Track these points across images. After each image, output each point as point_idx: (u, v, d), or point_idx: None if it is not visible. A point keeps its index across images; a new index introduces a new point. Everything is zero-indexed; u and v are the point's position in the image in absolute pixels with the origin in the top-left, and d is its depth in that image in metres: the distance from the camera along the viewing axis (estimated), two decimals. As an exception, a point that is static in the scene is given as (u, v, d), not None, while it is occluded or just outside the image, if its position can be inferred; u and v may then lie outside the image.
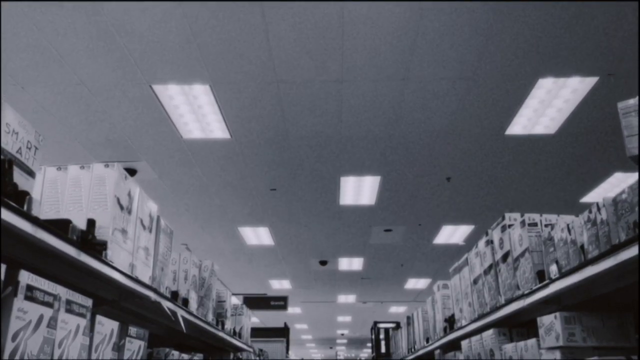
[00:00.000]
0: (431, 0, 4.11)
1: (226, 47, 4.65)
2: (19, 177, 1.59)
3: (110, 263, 1.92)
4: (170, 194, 7.99)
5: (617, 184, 7.64)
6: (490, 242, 3.08)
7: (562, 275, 2.14)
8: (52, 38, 4.48)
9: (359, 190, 7.95)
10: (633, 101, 1.51)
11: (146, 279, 2.33)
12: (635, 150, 1.50)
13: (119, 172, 2.08)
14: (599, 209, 1.83)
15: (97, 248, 1.83)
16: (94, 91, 5.27)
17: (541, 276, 2.39)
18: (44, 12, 4.18)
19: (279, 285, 14.31)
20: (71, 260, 1.71)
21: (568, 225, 2.14)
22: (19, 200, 1.46)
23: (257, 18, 4.30)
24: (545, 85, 5.23)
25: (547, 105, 5.58)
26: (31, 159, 1.68)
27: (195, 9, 4.19)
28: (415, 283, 14.17)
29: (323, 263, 12.02)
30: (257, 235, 10.11)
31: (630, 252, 1.60)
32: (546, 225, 2.48)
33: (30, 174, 1.67)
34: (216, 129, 6.05)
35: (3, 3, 4.04)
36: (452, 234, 10.11)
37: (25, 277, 1.44)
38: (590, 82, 5.15)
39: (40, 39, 4.48)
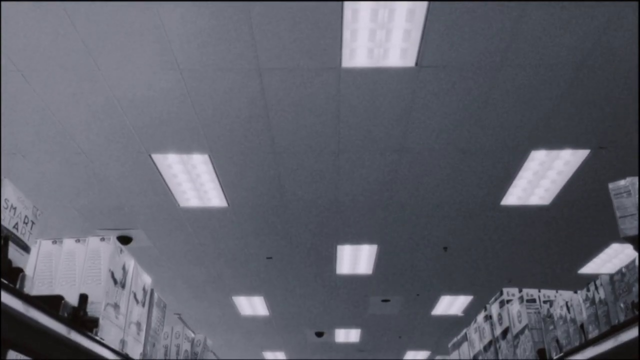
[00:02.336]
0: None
1: (226, 118, 4.76)
2: (13, 252, 1.58)
3: (101, 340, 1.88)
4: (165, 261, 7.90)
5: (614, 254, 7.60)
6: (489, 317, 3.03)
7: (564, 355, 2.09)
8: (54, 107, 4.58)
9: (355, 259, 7.88)
10: (624, 182, 1.53)
11: (137, 356, 2.27)
12: (629, 230, 1.51)
13: (114, 245, 2.08)
14: (596, 288, 1.82)
15: (88, 325, 1.79)
16: (94, 160, 5.33)
17: (542, 355, 2.34)
18: (46, 81, 4.30)
19: (273, 357, 13.84)
20: (61, 338, 1.67)
21: (567, 302, 2.11)
22: (12, 278, 1.45)
23: (257, 91, 4.43)
24: (538, 157, 5.32)
25: (541, 177, 5.65)
26: (27, 234, 1.68)
27: (196, 81, 4.33)
28: (415, 355, 13.72)
29: (319, 334, 11.69)
30: (252, 305, 9.89)
31: (630, 334, 1.57)
32: (545, 302, 2.45)
33: (25, 249, 1.66)
34: (214, 197, 6.07)
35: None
36: (450, 305, 9.92)
37: (13, 357, 1.40)
38: (582, 154, 5.25)
39: (43, 108, 4.58)
